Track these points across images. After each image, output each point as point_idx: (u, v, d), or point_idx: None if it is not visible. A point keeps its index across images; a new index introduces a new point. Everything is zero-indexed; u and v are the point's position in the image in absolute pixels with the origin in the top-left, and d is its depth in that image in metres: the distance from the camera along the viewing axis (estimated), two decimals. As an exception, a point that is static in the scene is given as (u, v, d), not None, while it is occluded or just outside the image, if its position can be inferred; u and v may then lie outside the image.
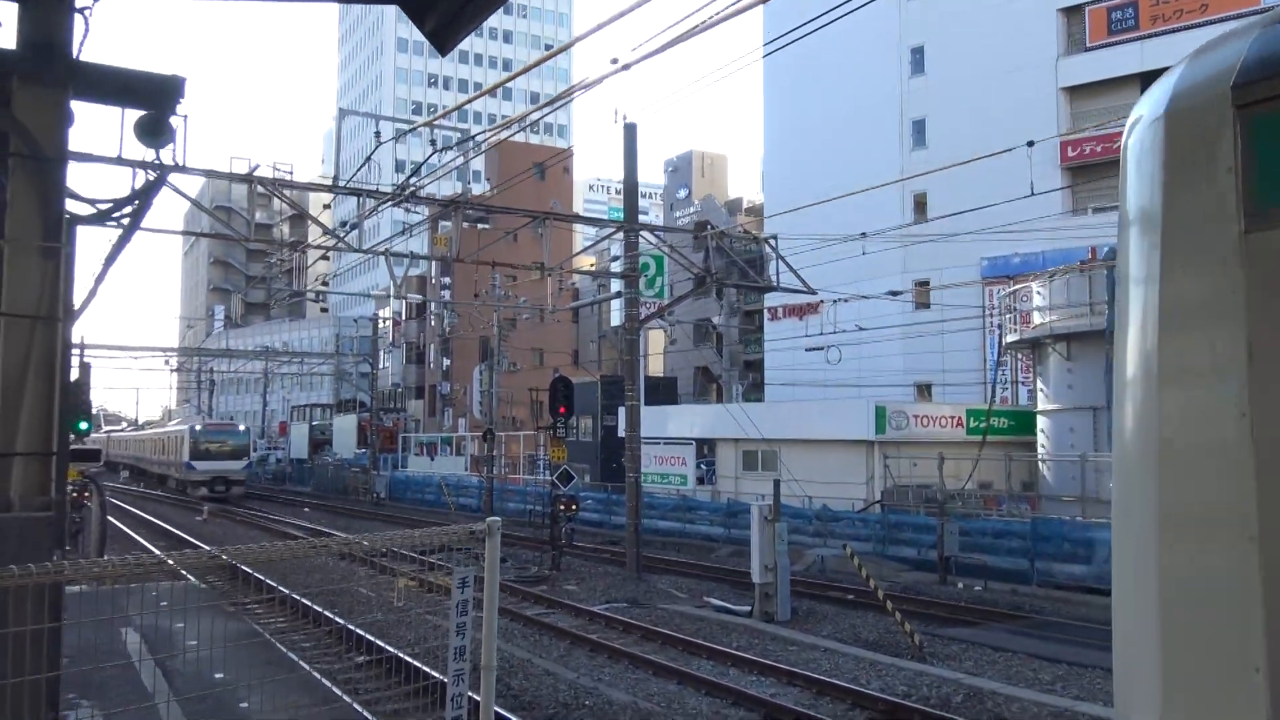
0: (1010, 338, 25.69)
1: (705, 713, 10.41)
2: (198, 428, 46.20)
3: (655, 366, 55.62)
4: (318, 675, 10.17)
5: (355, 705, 8.46)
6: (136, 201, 5.51)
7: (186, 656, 8.74)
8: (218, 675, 7.66)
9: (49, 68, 4.38)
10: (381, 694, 10.95)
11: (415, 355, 67.49)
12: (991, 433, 25.41)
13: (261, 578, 19.18)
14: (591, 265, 34.27)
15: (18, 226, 4.23)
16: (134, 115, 5.34)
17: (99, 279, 7.53)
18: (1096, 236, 33.32)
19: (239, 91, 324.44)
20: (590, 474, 38.16)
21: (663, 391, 45.43)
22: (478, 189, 58.59)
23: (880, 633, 14.82)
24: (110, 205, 5.23)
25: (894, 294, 29.16)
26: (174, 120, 5.75)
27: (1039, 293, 24.24)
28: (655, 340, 55.89)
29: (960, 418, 27.57)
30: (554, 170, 65.90)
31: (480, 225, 46.70)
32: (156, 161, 5.86)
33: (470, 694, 4.16)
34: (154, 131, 5.38)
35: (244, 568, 19.87)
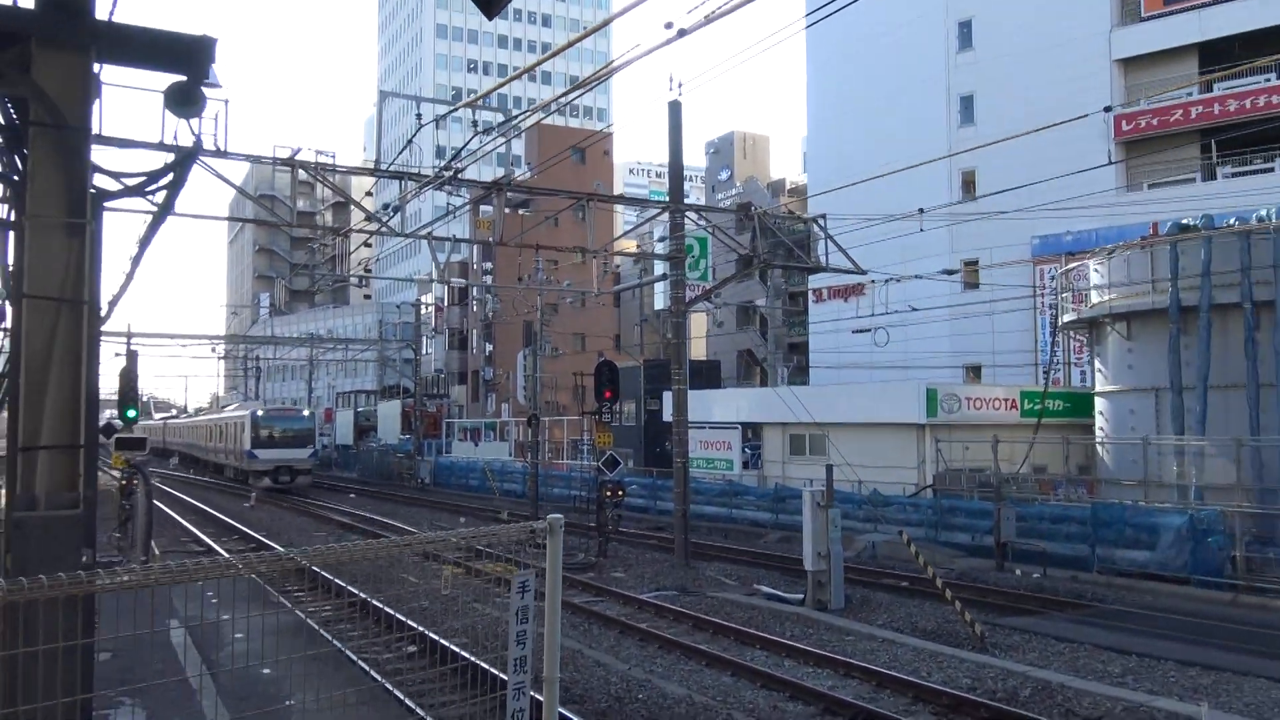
0: (1067, 317, 24.92)
1: (762, 707, 10.08)
2: (259, 413, 42.38)
3: (698, 350, 55.17)
4: (364, 665, 9.98)
5: (407, 701, 8.22)
6: (170, 175, 5.20)
7: (234, 649, 8.57)
8: (264, 670, 7.46)
9: (70, 29, 4.08)
10: (430, 686, 10.74)
11: (458, 341, 67.61)
12: (1046, 415, 24.73)
13: (311, 566, 19.15)
14: (636, 248, 33.85)
15: (39, 202, 3.96)
16: (161, 88, 5.09)
17: (135, 261, 7.31)
18: (1154, 213, 32.33)
19: (280, 82, 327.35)
20: (633, 459, 37.92)
21: (706, 376, 44.98)
22: (518, 174, 58.38)
23: (938, 622, 14.39)
24: (142, 179, 4.94)
25: (949, 272, 28.50)
26: (210, 94, 5.50)
27: (1097, 270, 23.46)
28: (698, 324, 55.41)
29: (1014, 400, 26.89)
30: (594, 154, 65.52)
31: (521, 210, 46.53)
32: (195, 139, 5.56)
33: (533, 693, 3.86)
34: (185, 100, 5.08)
35: (316, 570, 19.81)
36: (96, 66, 4.30)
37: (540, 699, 3.87)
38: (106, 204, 4.42)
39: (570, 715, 8.99)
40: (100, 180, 4.39)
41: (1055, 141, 32.64)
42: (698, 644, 12.95)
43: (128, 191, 4.75)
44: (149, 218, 6.49)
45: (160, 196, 5.24)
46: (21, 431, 3.86)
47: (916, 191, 36.55)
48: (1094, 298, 23.47)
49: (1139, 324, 21.41)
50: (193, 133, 5.66)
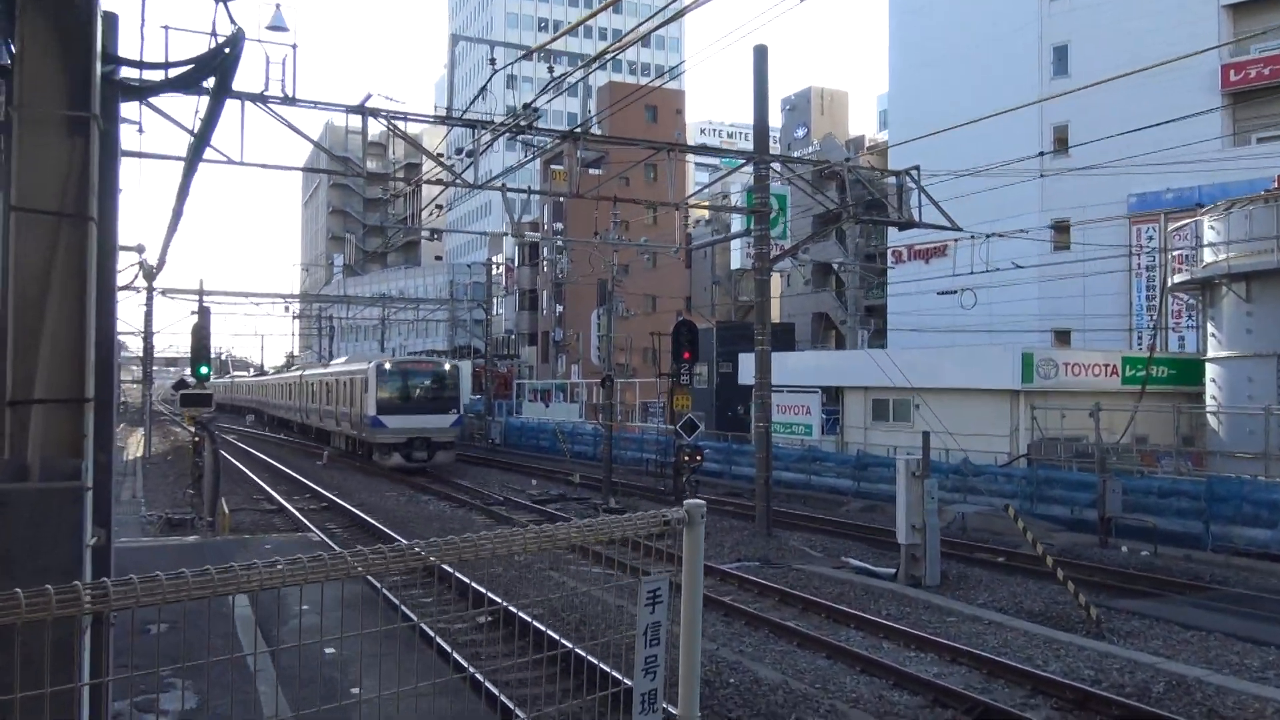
0: (1178, 278, 23.29)
1: (865, 696, 9.22)
2: (386, 365, 32.41)
3: (772, 312, 53.92)
4: (441, 642, 9.34)
5: (488, 685, 7.54)
6: (213, 78, 4.42)
7: (298, 624, 7.96)
8: (328, 650, 6.82)
9: None
10: (508, 661, 10.09)
11: (528, 302, 67.20)
12: (1150, 382, 23.25)
13: (382, 527, 18.73)
14: (707, 206, 32.76)
15: (31, 89, 3.18)
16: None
17: (181, 195, 6.62)
18: (1263, 169, 30.27)
19: (348, 43, 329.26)
20: (704, 423, 37.04)
21: (780, 338, 43.72)
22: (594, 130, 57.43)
23: (1045, 602, 13.35)
24: (186, 69, 4.14)
25: (1058, 225, 26.97)
26: (277, 38, 4.78)
27: (1212, 227, 21.81)
28: (773, 285, 54.09)
29: (1115, 366, 25.36)
30: (666, 113, 64.23)
31: (591, 170, 45.61)
32: (235, 29, 4.75)
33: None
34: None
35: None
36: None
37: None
38: (150, 99, 3.66)
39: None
40: (130, 74, 3.66)
41: (1156, 93, 30.72)
42: (786, 621, 12.13)
43: (169, 85, 3.98)
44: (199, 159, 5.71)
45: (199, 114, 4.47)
46: (10, 381, 3.16)
47: (1004, 149, 34.81)
48: (1208, 256, 21.86)
49: (1260, 284, 19.83)
50: (232, 21, 4.87)
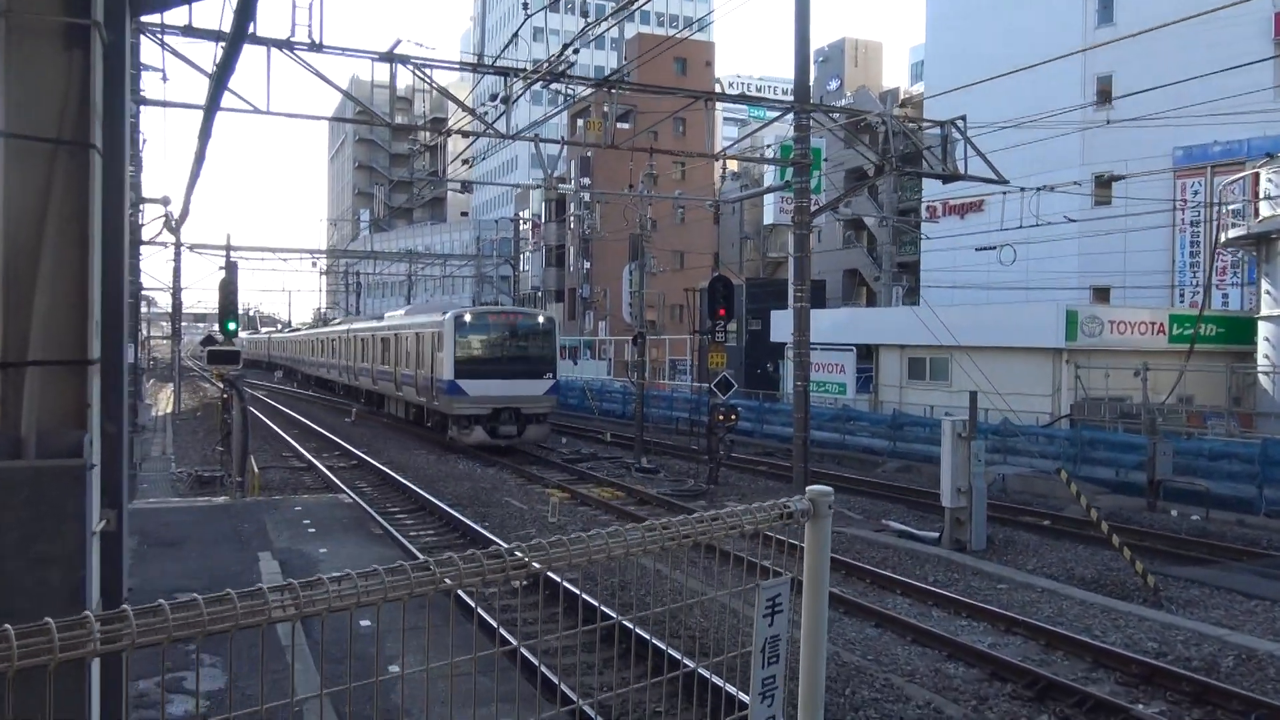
0: (1232, 233, 22.45)
1: (921, 670, 8.83)
2: (467, 317, 26.32)
3: (802, 269, 53.02)
4: (482, 613, 9.04)
5: (544, 669, 7.20)
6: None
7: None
8: (363, 623, 6.50)
9: None
10: (546, 629, 9.79)
11: (555, 258, 66.66)
12: (1199, 341, 22.54)
13: (410, 485, 18.49)
14: (746, 158, 31.97)
15: (23, -5, 2.68)
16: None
17: (203, 137, 6.19)
18: (1318, 120, 29.18)
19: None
20: (735, 380, 36.57)
21: (812, 295, 43.09)
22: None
23: (1098, 569, 12.89)
24: None
25: (1110, 177, 26.15)
26: None
27: (1270, 180, 20.97)
28: (792, 243, 53.24)
29: (1162, 324, 24.61)
30: (695, 66, 63.09)
31: (620, 124, 44.78)
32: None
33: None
34: None
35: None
36: None
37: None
38: (168, 39, 3.22)
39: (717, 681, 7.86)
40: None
41: (1205, 44, 29.58)
42: (831, 586, 11.73)
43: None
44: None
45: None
46: (1, 340, 2.73)
47: (1045, 103, 33.77)
48: (1265, 210, 21.02)
49: (1320, 240, 19.04)
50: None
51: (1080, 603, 11.09)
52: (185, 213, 13.37)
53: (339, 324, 47.84)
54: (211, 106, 6.22)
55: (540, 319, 27.38)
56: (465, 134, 17.01)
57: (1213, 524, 16.06)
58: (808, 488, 2.26)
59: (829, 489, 2.35)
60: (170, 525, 10.56)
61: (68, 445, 2.66)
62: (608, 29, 16.79)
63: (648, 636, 7.32)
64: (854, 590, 11.75)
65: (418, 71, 14.89)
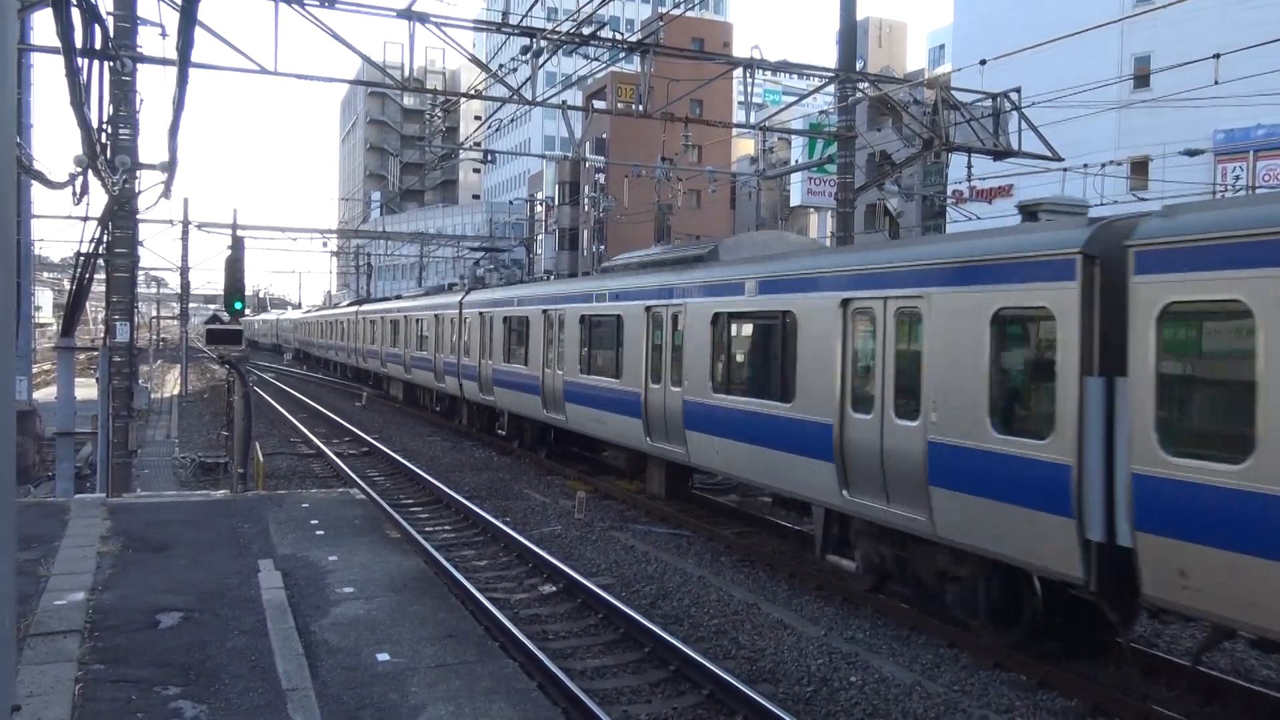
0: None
1: (1017, 707, 7.74)
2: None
3: (822, 254, 51.75)
4: (524, 637, 7.99)
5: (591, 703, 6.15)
6: None
7: (341, 614, 6.56)
8: (380, 657, 5.45)
9: None
10: (577, 642, 8.75)
11: (568, 241, 65.48)
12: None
13: (425, 475, 17.45)
14: (789, 131, 30.83)
15: None
16: None
17: (181, 82, 5.12)
18: (1371, 102, 27.86)
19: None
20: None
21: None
22: (634, 68, 55.15)
23: None
24: None
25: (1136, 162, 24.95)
26: None
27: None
28: (814, 228, 52.01)
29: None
30: (713, 46, 61.72)
31: (633, 106, 43.57)
32: None
33: None
34: None
35: (431, 480, 18.24)
36: None
37: None
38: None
39: (770, 707, 6.82)
40: None
41: (1247, 23, 28.29)
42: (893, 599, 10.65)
43: None
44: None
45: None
46: None
47: (1080, 81, 32.55)
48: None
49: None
50: None
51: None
52: (173, 162, 12.38)
53: (377, 304, 40.87)
54: (186, 46, 5.25)
55: None
56: (489, 99, 15.91)
57: None
58: None
59: None
60: (160, 525, 9.50)
61: None
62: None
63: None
64: (922, 608, 10.65)
65: (438, 31, 13.80)
